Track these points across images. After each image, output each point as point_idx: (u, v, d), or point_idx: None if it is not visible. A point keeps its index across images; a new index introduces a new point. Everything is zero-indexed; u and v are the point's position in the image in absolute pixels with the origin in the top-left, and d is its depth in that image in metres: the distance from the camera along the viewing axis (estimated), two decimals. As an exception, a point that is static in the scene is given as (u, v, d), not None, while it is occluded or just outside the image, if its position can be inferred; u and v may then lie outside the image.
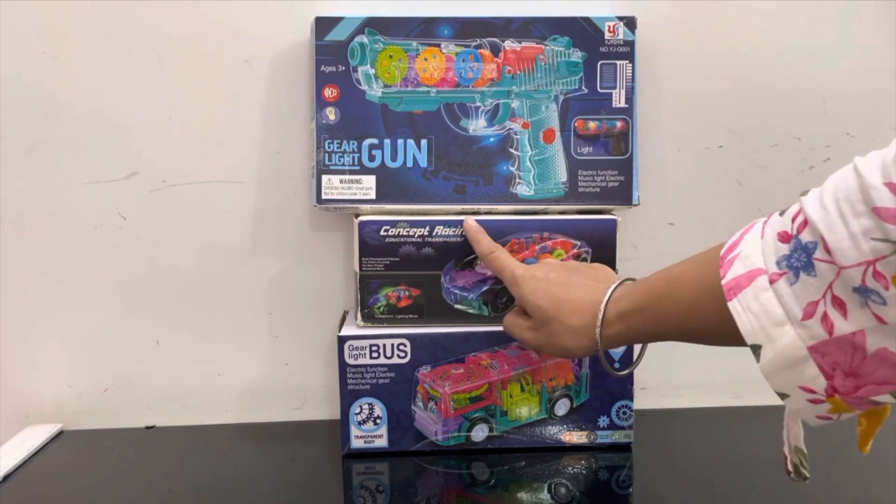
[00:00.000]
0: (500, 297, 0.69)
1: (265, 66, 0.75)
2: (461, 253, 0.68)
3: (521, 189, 0.70)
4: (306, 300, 0.79)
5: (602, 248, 0.69)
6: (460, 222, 0.68)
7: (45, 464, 0.69)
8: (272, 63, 0.75)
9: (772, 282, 0.39)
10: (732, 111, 0.79)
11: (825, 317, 0.37)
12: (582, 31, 0.69)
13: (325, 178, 0.69)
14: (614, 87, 0.70)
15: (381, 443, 0.69)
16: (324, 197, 0.69)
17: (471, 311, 0.69)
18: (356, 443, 0.69)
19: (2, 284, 0.76)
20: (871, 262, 0.35)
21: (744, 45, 0.78)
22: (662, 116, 0.78)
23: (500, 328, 0.64)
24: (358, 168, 0.69)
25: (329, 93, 0.69)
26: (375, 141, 0.69)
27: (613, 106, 0.70)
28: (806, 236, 0.38)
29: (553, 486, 0.64)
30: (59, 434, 0.76)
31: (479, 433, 0.69)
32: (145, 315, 0.78)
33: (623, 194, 0.70)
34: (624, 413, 0.69)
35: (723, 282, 0.42)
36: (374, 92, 0.69)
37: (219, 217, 0.77)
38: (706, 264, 0.45)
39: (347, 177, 0.69)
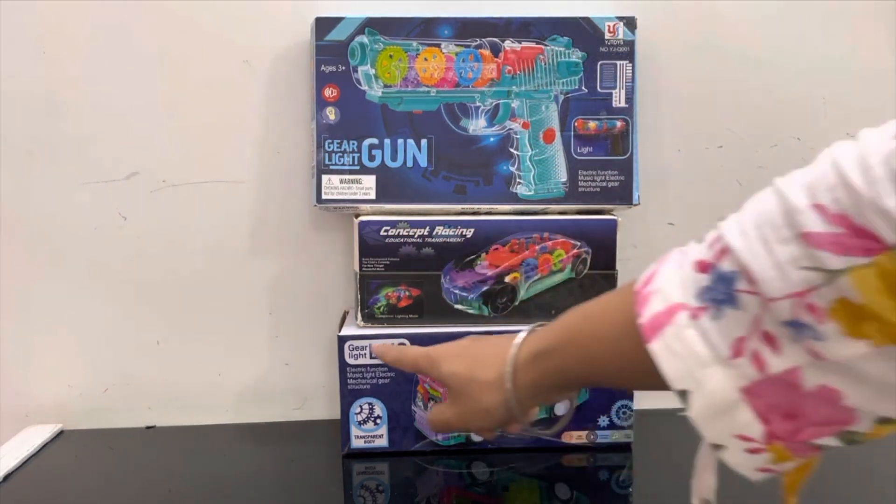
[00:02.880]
0: (500, 297, 0.69)
1: (265, 66, 0.75)
2: (461, 253, 0.68)
3: (521, 189, 0.70)
4: (306, 300, 0.79)
5: (602, 248, 0.69)
6: (460, 222, 0.68)
7: (45, 464, 0.69)
8: (272, 63, 0.75)
9: (694, 317, 0.35)
10: (732, 111, 0.79)
11: (755, 354, 0.33)
12: (582, 31, 0.69)
13: (325, 178, 0.69)
14: (614, 87, 0.70)
15: (382, 443, 0.69)
16: (324, 197, 0.69)
17: (471, 311, 0.69)
18: (356, 443, 0.69)
19: (2, 285, 0.76)
20: (802, 293, 0.31)
21: (744, 45, 0.78)
22: (662, 116, 0.78)
23: (500, 328, 0.64)
24: (358, 168, 0.69)
25: (329, 93, 0.69)
26: (375, 141, 0.69)
27: (613, 106, 0.70)
28: (726, 265, 0.34)
29: (553, 486, 0.64)
30: (59, 434, 0.76)
31: (479, 433, 0.69)
32: (145, 315, 0.78)
33: (623, 194, 0.70)
34: (624, 413, 0.69)
35: (640, 321, 0.37)
36: (374, 92, 0.69)
37: (219, 217, 0.77)
38: (624, 298, 0.40)
39: (347, 177, 0.69)
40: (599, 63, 0.70)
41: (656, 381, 0.36)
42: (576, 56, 0.69)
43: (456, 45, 0.69)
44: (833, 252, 0.30)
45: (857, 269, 0.29)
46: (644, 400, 0.80)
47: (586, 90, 0.70)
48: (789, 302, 0.31)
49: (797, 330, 0.32)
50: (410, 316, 0.69)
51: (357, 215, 0.68)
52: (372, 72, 0.69)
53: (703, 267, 0.36)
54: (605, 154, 0.70)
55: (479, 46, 0.69)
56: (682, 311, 0.36)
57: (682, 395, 0.36)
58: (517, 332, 0.49)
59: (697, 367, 0.35)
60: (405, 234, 0.68)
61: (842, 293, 0.30)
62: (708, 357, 0.35)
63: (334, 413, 0.72)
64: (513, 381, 0.47)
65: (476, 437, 0.69)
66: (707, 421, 0.36)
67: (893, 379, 0.31)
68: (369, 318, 0.69)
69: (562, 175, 0.70)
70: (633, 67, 0.70)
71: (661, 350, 0.36)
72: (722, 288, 0.34)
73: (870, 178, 0.29)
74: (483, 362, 0.50)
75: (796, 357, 0.33)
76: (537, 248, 0.69)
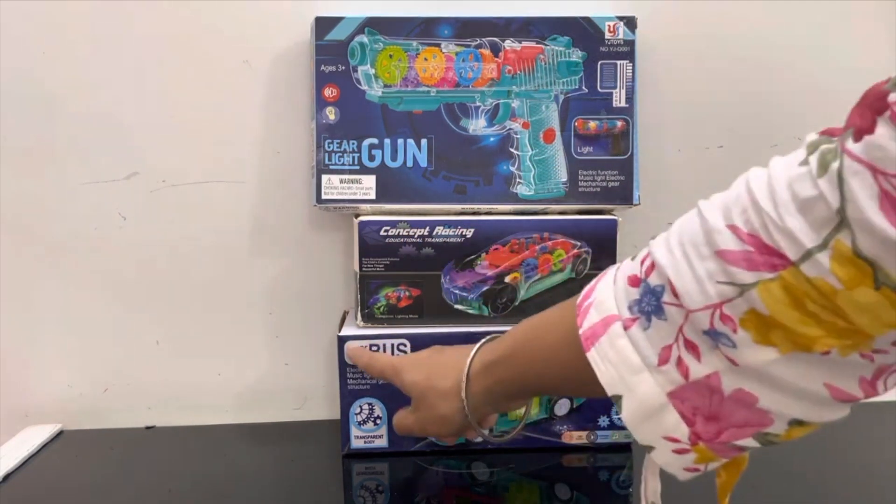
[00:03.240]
0: (500, 297, 0.69)
1: (265, 66, 0.75)
2: (461, 253, 0.68)
3: (522, 189, 0.70)
4: (306, 300, 0.79)
5: (602, 248, 0.69)
6: (460, 222, 0.68)
7: (45, 464, 0.69)
8: (272, 63, 0.75)
9: (626, 328, 0.38)
10: (732, 111, 0.79)
11: (680, 361, 0.37)
12: (582, 31, 0.69)
13: (325, 177, 0.69)
14: (614, 87, 0.70)
15: (381, 443, 0.69)
16: (324, 197, 0.69)
17: (471, 311, 0.69)
18: (356, 443, 0.68)
19: (2, 285, 0.76)
20: (718, 305, 0.34)
21: (744, 44, 0.78)
22: (662, 116, 0.78)
23: (500, 328, 0.64)
24: (358, 168, 0.69)
25: (329, 93, 0.69)
26: (375, 141, 0.69)
27: (613, 106, 0.70)
28: (654, 280, 0.37)
29: (553, 486, 0.64)
30: (59, 434, 0.76)
31: (479, 433, 0.69)
32: (145, 315, 0.78)
33: (623, 194, 0.70)
34: (624, 413, 0.69)
35: (580, 331, 0.41)
36: (374, 92, 0.69)
37: (219, 217, 0.77)
38: (567, 311, 0.43)
39: (347, 177, 0.69)
40: (599, 63, 0.70)
41: (597, 389, 0.39)
42: (576, 56, 0.69)
43: (456, 44, 0.69)
44: (744, 268, 0.33)
45: (764, 283, 0.33)
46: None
47: (586, 90, 0.70)
48: (707, 313, 0.35)
49: (714, 338, 0.35)
50: (410, 316, 0.69)
51: (357, 215, 0.68)
52: (372, 72, 0.69)
53: (634, 281, 0.39)
54: (606, 154, 0.70)
55: (479, 46, 0.69)
56: (616, 322, 0.39)
57: (616, 400, 0.39)
58: (484, 335, 0.54)
59: (629, 374, 0.38)
60: (405, 234, 0.68)
61: (751, 305, 0.33)
62: (639, 364, 0.38)
63: (334, 413, 0.72)
64: (466, 391, 0.51)
65: (477, 438, 0.69)
66: (638, 423, 0.39)
67: (800, 383, 0.34)
68: (369, 318, 0.69)
69: (562, 175, 0.70)
70: (633, 67, 0.70)
71: (597, 358, 0.39)
72: (650, 300, 0.37)
73: (775, 201, 0.32)
74: (441, 372, 0.54)
75: (715, 363, 0.36)
76: (537, 248, 0.69)
